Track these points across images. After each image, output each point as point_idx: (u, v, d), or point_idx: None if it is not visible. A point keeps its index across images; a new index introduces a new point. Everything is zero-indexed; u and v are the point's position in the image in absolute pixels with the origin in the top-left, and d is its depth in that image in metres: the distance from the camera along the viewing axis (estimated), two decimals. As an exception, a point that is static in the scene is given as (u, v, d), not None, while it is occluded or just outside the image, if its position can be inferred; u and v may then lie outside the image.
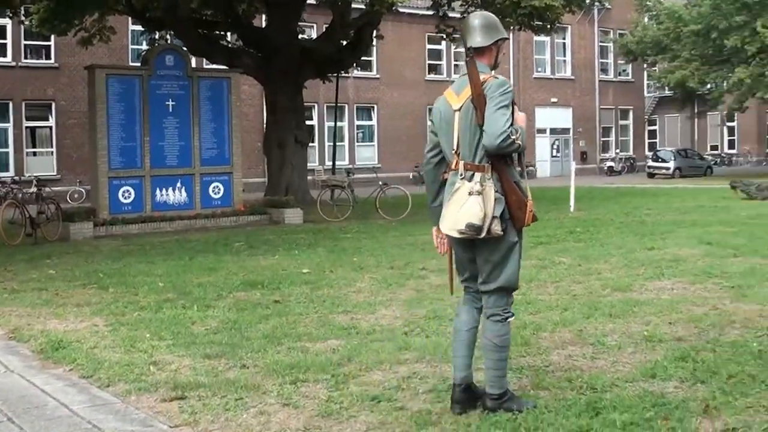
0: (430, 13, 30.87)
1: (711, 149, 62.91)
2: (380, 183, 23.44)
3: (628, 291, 10.03)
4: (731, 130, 63.65)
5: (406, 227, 18.96)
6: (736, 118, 49.40)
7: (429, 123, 5.83)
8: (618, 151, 58.15)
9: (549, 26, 28.04)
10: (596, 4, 35.76)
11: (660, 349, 7.14)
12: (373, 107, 47.48)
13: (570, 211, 22.51)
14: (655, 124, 64.30)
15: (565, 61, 55.70)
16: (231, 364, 7.05)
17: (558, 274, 11.37)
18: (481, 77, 5.26)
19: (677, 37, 45.36)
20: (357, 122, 47.20)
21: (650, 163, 51.30)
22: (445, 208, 5.38)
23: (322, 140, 44.41)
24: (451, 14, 29.21)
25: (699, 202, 25.27)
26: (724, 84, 45.47)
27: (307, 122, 33.16)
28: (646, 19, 50.72)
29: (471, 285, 5.67)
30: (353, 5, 26.42)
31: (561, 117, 55.23)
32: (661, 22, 46.68)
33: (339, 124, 38.75)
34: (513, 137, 5.13)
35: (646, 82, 60.94)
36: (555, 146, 55.23)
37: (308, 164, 30.45)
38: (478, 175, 5.25)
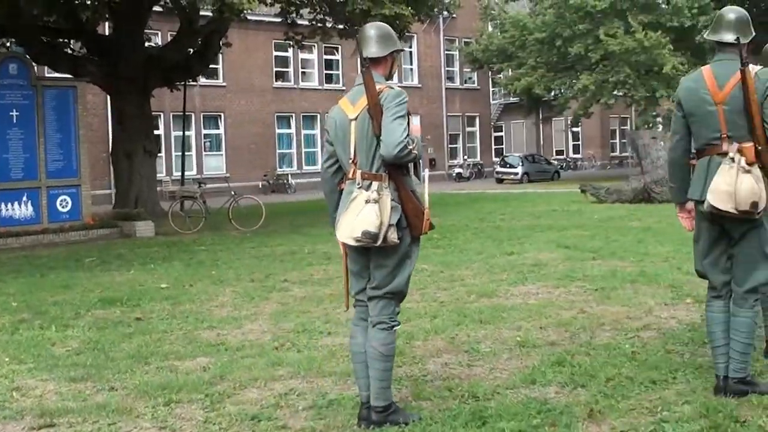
0: (278, 20, 30.46)
1: (556, 154, 64.58)
2: (232, 193, 22.99)
3: (494, 296, 10.02)
4: (576, 135, 65.45)
5: (261, 238, 18.62)
6: (580, 123, 50.56)
7: (325, 133, 5.67)
8: (466, 157, 58.88)
9: (398, 35, 28.01)
10: (442, 12, 35.93)
11: (535, 355, 7.12)
12: (220, 116, 46.70)
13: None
14: (501, 131, 65.54)
15: (411, 69, 56.07)
16: (98, 386, 6.68)
17: (422, 281, 11.27)
18: (377, 87, 5.18)
19: (522, 45, 46.22)
20: (204, 131, 46.36)
21: (498, 168, 52.12)
22: (341, 216, 5.28)
23: (169, 150, 43.45)
24: (300, 21, 28.96)
25: (551, 207, 25.70)
26: (569, 91, 46.55)
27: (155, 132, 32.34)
28: (490, 28, 51.53)
29: (363, 298, 5.53)
30: (201, 12, 25.84)
31: (409, 125, 55.59)
32: (506, 31, 47.48)
33: (187, 133, 38.07)
34: (410, 147, 5.07)
35: (491, 89, 61.98)
36: (404, 153, 55.57)
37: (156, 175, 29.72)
38: (375, 184, 5.19)
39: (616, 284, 10.42)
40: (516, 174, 49.86)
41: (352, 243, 5.19)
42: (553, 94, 49.57)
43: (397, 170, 5.25)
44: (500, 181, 50.08)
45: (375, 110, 5.14)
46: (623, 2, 41.95)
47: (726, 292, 5.86)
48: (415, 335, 7.96)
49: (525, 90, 46.59)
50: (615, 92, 45.27)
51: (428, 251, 14.73)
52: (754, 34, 5.82)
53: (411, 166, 5.39)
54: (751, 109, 5.49)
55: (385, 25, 5.64)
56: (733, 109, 5.58)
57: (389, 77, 5.48)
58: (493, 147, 62.79)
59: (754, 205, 5.40)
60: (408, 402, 5.90)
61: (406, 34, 29.61)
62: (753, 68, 5.57)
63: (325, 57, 49.81)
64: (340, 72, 50.81)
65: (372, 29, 5.47)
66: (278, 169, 47.58)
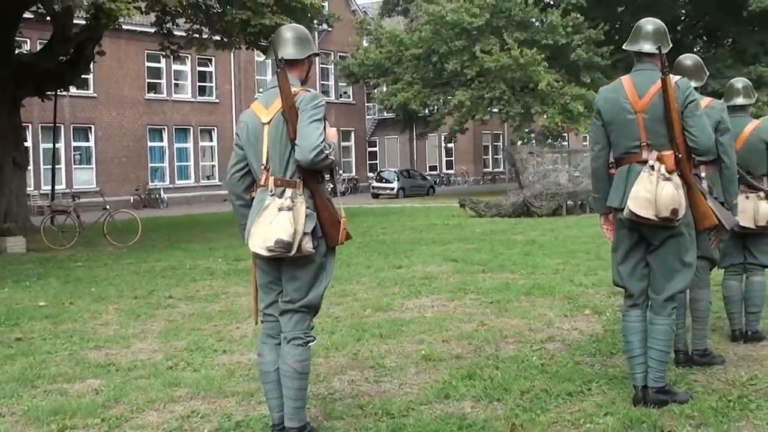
0: (151, 30, 29.72)
1: (430, 169, 65.01)
2: (106, 207, 22.27)
3: (390, 310, 9.82)
4: (449, 151, 66.06)
5: (139, 254, 18.00)
6: (455, 139, 50.99)
7: (235, 137, 5.35)
8: (341, 172, 58.74)
9: (277, 46, 27.62)
10: (321, 24, 35.73)
11: (443, 369, 6.93)
12: (90, 127, 45.35)
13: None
14: (376, 146, 65.66)
15: (287, 82, 55.71)
16: (-18, 413, 6.19)
17: (312, 295, 10.96)
18: (293, 90, 4.93)
19: (399, 61, 46.40)
20: (74, 143, 44.97)
21: (374, 183, 52.09)
22: (253, 225, 4.97)
23: (38, 163, 42.03)
24: (176, 32, 28.35)
25: (431, 221, 25.74)
26: (445, 107, 46.88)
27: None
28: (365, 42, 51.56)
29: (273, 313, 5.23)
30: (75, 20, 24.99)
31: (284, 139, 55.11)
32: (382, 46, 47.56)
33: (56, 145, 36.91)
34: (327, 152, 4.81)
35: (367, 104, 62.03)
36: (279, 168, 55.03)
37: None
38: (289, 191, 4.93)
39: (511, 297, 10.34)
40: (392, 189, 49.90)
41: (265, 253, 4.88)
42: (428, 110, 49.90)
43: (313, 177, 5.00)
44: (376, 196, 50.05)
45: (290, 113, 4.88)
46: (499, 20, 42.52)
47: (643, 300, 5.78)
48: (316, 352, 7.61)
49: (401, 105, 46.75)
50: (490, 108, 45.80)
51: (314, 265, 14.46)
52: (671, 45, 5.79)
53: (326, 173, 5.12)
54: (671, 118, 5.47)
55: (302, 27, 5.37)
56: (652, 118, 5.56)
57: (304, 81, 5.22)
58: (368, 162, 62.76)
59: (674, 212, 5.35)
60: (320, 422, 5.63)
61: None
62: (673, 78, 5.52)
63: (198, 69, 49.01)
64: (213, 84, 50.03)
65: (289, 31, 5.22)
66: (150, 183, 46.53)
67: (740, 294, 7.48)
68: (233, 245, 18.73)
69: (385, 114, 59.71)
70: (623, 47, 6.05)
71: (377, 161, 64.51)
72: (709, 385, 6.11)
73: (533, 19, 43.44)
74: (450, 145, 61.47)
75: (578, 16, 42.25)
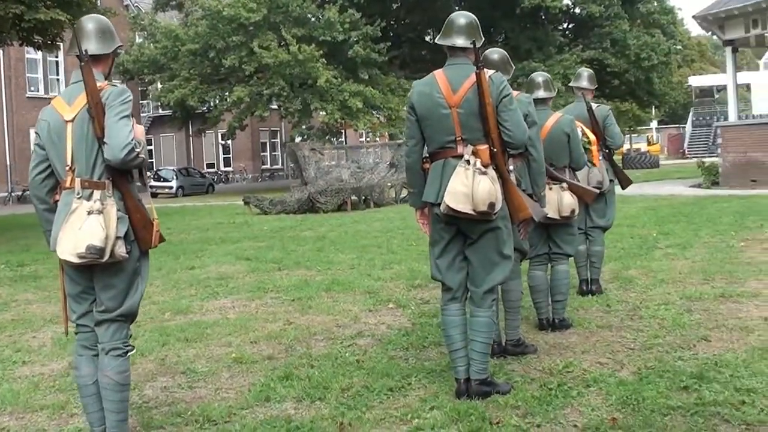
0: None
1: (208, 167, 64.34)
2: None
3: (190, 313, 9.58)
4: (226, 148, 65.53)
5: None
6: (234, 135, 50.59)
7: (34, 136, 5.00)
8: (149, 172, 57.09)
9: (50, 42, 26.50)
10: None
11: (257, 371, 6.80)
12: None
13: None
14: (151, 144, 64.35)
15: (58, 79, 53.78)
16: None
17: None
18: (98, 85, 4.66)
19: (175, 57, 45.56)
20: None
21: (152, 183, 51.02)
22: (60, 230, 4.66)
23: None
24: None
25: (216, 219, 25.38)
26: (223, 103, 46.42)
27: None
28: (138, 38, 50.44)
29: (88, 323, 4.95)
30: None
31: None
32: (158, 41, 46.61)
33: None
34: (137, 150, 4.56)
35: (141, 101, 60.67)
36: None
37: None
38: (97, 193, 4.66)
39: (312, 293, 10.29)
40: (171, 188, 49.03)
41: (75, 260, 4.58)
42: (206, 106, 49.31)
43: (122, 177, 4.75)
44: (154, 195, 48.86)
45: (96, 109, 4.60)
46: (276, 15, 42.45)
47: (461, 293, 5.84)
48: (118, 358, 7.38)
49: (178, 102, 46.01)
50: (269, 105, 45.67)
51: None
52: (483, 38, 5.84)
53: (136, 172, 4.89)
54: (485, 112, 5.51)
55: (104, 18, 5.06)
56: (467, 112, 5.59)
57: (109, 76, 4.96)
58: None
59: (492, 205, 5.41)
60: (138, 432, 5.40)
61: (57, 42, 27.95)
62: (487, 72, 5.57)
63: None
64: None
65: (91, 22, 4.90)
66: None
67: (546, 283, 7.69)
68: (14, 250, 17.94)
69: (161, 111, 58.61)
70: (436, 41, 6.04)
71: (153, 159, 63.19)
72: (527, 375, 6.23)
73: (311, 15, 43.58)
74: (228, 142, 61.01)
75: (355, 12, 42.73)
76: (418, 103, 5.80)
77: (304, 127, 46.73)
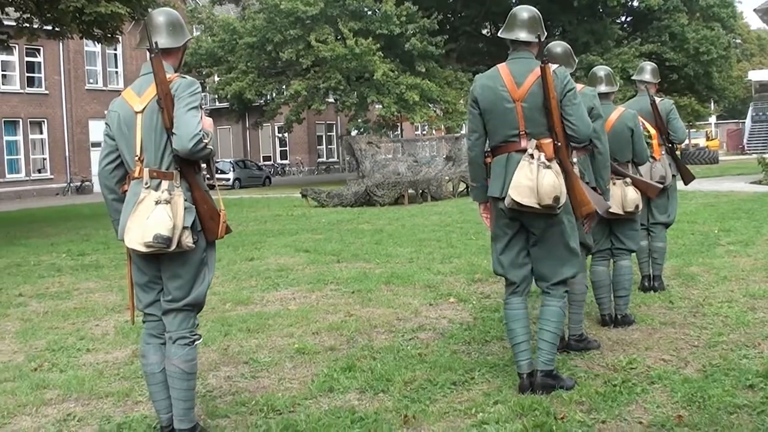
0: (-23, 20, 28.38)
1: (264, 159, 64.61)
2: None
3: (251, 304, 9.66)
4: (283, 141, 65.77)
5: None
6: (291, 128, 50.74)
7: (105, 127, 5.02)
8: (218, 162, 57.57)
9: (110, 35, 26.78)
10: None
11: (320, 361, 6.85)
12: None
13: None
14: (209, 136, 64.74)
15: (117, 72, 54.31)
16: None
17: (166, 290, 10.69)
18: (168, 77, 4.69)
19: (232, 50, 45.86)
20: None
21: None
22: (129, 220, 4.70)
23: None
24: (5, 21, 27.08)
25: (274, 212, 25.54)
26: (281, 96, 46.61)
27: None
28: (196, 31, 50.78)
29: (155, 312, 5.01)
30: None
31: (115, 130, 53.56)
32: (215, 34, 46.93)
33: None
34: (205, 141, 4.60)
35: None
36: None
37: None
38: (165, 183, 4.70)
39: (371, 286, 10.31)
40: (228, 180, 49.30)
41: (143, 249, 4.62)
42: (263, 99, 49.53)
43: (190, 168, 4.80)
44: (211, 187, 49.20)
45: (166, 100, 4.64)
46: (333, 9, 42.50)
47: (524, 288, 5.85)
48: (184, 348, 7.47)
49: (235, 95, 46.28)
50: (326, 98, 45.78)
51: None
52: (546, 32, 5.85)
53: (204, 163, 4.95)
54: (550, 106, 5.50)
55: (174, 11, 5.11)
56: (531, 106, 5.58)
57: (178, 69, 5.00)
58: (202, 152, 61.79)
59: (556, 199, 5.40)
60: (204, 421, 5.45)
61: (117, 35, 28.18)
62: (551, 66, 5.55)
63: (26, 59, 47.29)
64: (42, 75, 48.39)
65: (161, 16, 4.95)
66: (-23, 178, 44.78)
67: (608, 279, 7.64)
68: (74, 240, 18.25)
69: (218, 104, 58.99)
70: (499, 35, 6.04)
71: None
72: (591, 370, 6.20)
73: (367, 9, 43.58)
74: (285, 135, 61.27)
75: (411, 6, 42.65)
76: (482, 97, 5.77)
77: (360, 120, 46.79)
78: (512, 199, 5.48)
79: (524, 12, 5.83)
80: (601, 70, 7.83)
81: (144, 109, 4.77)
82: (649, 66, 9.49)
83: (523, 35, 5.75)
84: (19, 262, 14.60)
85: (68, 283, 11.87)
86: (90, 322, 8.97)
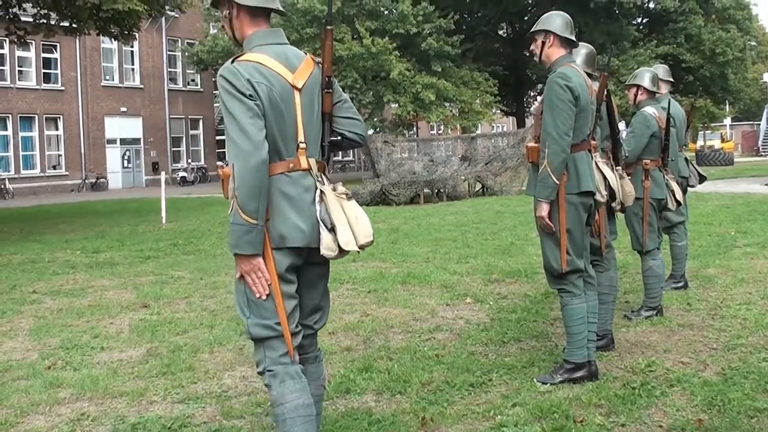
0: (-4, 15, 28.41)
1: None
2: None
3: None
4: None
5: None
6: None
7: (239, 96, 3.83)
8: (190, 161, 57.76)
9: (127, 32, 26.77)
10: (174, 10, 34.91)
11: (336, 362, 6.81)
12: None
13: (162, 224, 21.57)
14: (224, 134, 64.79)
15: (133, 69, 54.43)
16: None
17: (184, 289, 10.70)
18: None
19: (249, 48, 45.78)
20: None
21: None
22: (331, 219, 3.92)
23: None
24: (23, 17, 27.10)
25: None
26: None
27: None
28: (213, 29, 50.84)
29: (298, 333, 4.11)
30: None
31: (131, 127, 53.78)
32: (232, 32, 46.90)
33: None
34: None
35: (214, 91, 61.10)
36: (126, 157, 53.62)
37: None
38: (324, 177, 4.07)
39: (388, 286, 10.28)
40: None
41: (331, 254, 3.90)
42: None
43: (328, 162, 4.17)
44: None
45: (329, 83, 4.07)
46: (350, 8, 42.45)
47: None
48: (199, 348, 7.45)
49: (252, 93, 46.18)
50: (343, 96, 45.73)
51: (179, 257, 14.25)
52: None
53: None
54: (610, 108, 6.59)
55: None
56: (596, 108, 6.10)
57: None
58: (217, 150, 61.82)
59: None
60: (219, 422, 5.43)
61: (134, 32, 28.15)
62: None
63: (43, 55, 47.41)
64: (59, 71, 48.53)
65: None
66: (-6, 173, 44.91)
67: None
68: (89, 236, 18.30)
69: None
70: (570, 37, 6.07)
71: (225, 149, 63.65)
72: (610, 373, 6.16)
73: (384, 9, 43.51)
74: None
75: (428, 5, 42.58)
76: (582, 95, 5.81)
77: (376, 119, 46.72)
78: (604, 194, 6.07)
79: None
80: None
81: (303, 86, 4.03)
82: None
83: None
84: (34, 259, 14.62)
85: (82, 280, 11.87)
86: (104, 320, 8.95)
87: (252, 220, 3.74)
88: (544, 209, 5.75)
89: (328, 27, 4.11)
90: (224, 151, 61.13)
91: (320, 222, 3.89)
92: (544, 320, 7.99)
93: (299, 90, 3.99)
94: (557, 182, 5.73)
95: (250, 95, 3.82)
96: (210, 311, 9.23)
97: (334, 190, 3.97)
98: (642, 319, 7.76)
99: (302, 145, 3.98)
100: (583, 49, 6.87)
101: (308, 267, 4.05)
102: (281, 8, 4.12)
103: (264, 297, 3.86)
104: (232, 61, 3.92)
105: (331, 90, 4.06)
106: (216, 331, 8.11)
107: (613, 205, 6.29)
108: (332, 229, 3.89)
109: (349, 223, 3.91)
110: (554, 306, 8.32)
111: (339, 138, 4.16)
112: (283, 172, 3.93)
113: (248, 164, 3.72)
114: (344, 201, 3.95)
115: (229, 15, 4.09)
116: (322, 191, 3.94)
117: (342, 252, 3.89)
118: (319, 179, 3.98)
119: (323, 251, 3.86)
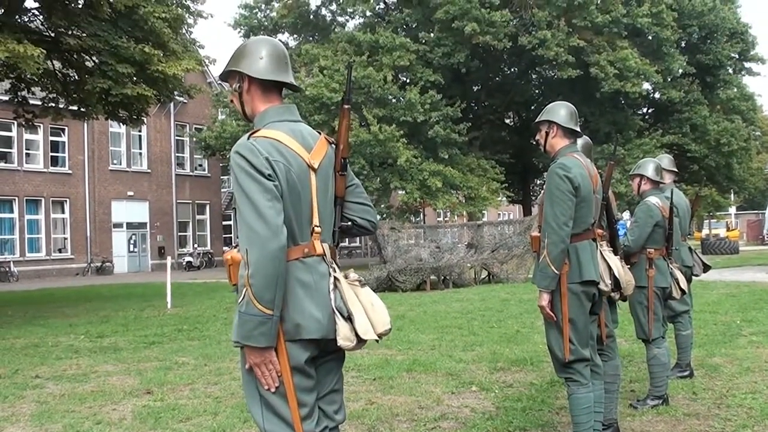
0: (4, 98, 28.74)
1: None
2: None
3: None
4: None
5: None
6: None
7: (258, 176, 3.63)
8: (196, 245, 57.92)
9: (135, 117, 26.99)
10: (183, 96, 35.26)
11: (341, 450, 6.72)
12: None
13: (167, 308, 21.56)
14: (230, 219, 65.06)
15: (141, 154, 54.84)
16: None
17: (188, 375, 10.65)
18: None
19: (256, 134, 46.12)
20: None
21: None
22: (347, 307, 3.72)
23: None
24: (31, 100, 27.34)
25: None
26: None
27: None
28: (221, 115, 51.30)
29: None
30: None
31: (137, 211, 54.03)
32: (240, 118, 47.33)
33: None
34: None
35: (222, 176, 61.51)
36: (132, 241, 53.79)
37: None
38: (334, 263, 3.87)
39: (393, 373, 10.22)
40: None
41: (373, 338, 3.73)
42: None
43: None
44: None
45: (343, 165, 3.93)
46: (358, 96, 42.82)
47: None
48: (202, 435, 7.41)
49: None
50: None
51: (183, 343, 14.17)
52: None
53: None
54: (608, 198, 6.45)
55: None
56: (599, 197, 6.10)
57: None
58: (223, 236, 61.99)
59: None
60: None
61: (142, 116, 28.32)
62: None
63: (51, 138, 47.82)
64: (66, 154, 48.88)
65: None
66: (-1, 257, 45.00)
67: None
68: (93, 321, 18.26)
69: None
70: (574, 127, 6.13)
71: (232, 234, 63.83)
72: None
73: (392, 97, 43.90)
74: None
75: (435, 94, 42.98)
76: (583, 185, 5.84)
77: (383, 206, 46.86)
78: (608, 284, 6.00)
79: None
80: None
81: (319, 167, 3.85)
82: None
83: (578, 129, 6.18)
84: (37, 343, 14.59)
85: (86, 365, 11.82)
86: (107, 406, 8.90)
87: (268, 311, 3.50)
88: (544, 299, 5.74)
89: (346, 106, 3.93)
90: (230, 236, 61.33)
91: (336, 311, 3.68)
92: (549, 409, 7.93)
93: (315, 170, 3.82)
94: (557, 272, 5.70)
95: (269, 175, 3.63)
96: (214, 398, 9.17)
97: (346, 277, 3.78)
98: (648, 408, 7.73)
99: (317, 229, 3.80)
100: (580, 140, 6.92)
101: (323, 355, 3.83)
102: (294, 83, 3.99)
103: (273, 389, 3.63)
104: (248, 137, 3.74)
105: (345, 173, 3.93)
106: (220, 419, 8.05)
107: (612, 295, 6.25)
108: (349, 318, 3.69)
109: (365, 311, 3.70)
110: (560, 395, 8.27)
111: (349, 224, 4.01)
112: (298, 258, 3.72)
113: (265, 251, 3.50)
114: (358, 288, 3.75)
115: (239, 88, 3.98)
116: (336, 278, 3.74)
117: (360, 342, 3.68)
118: (332, 266, 3.79)
119: (340, 342, 3.64)
